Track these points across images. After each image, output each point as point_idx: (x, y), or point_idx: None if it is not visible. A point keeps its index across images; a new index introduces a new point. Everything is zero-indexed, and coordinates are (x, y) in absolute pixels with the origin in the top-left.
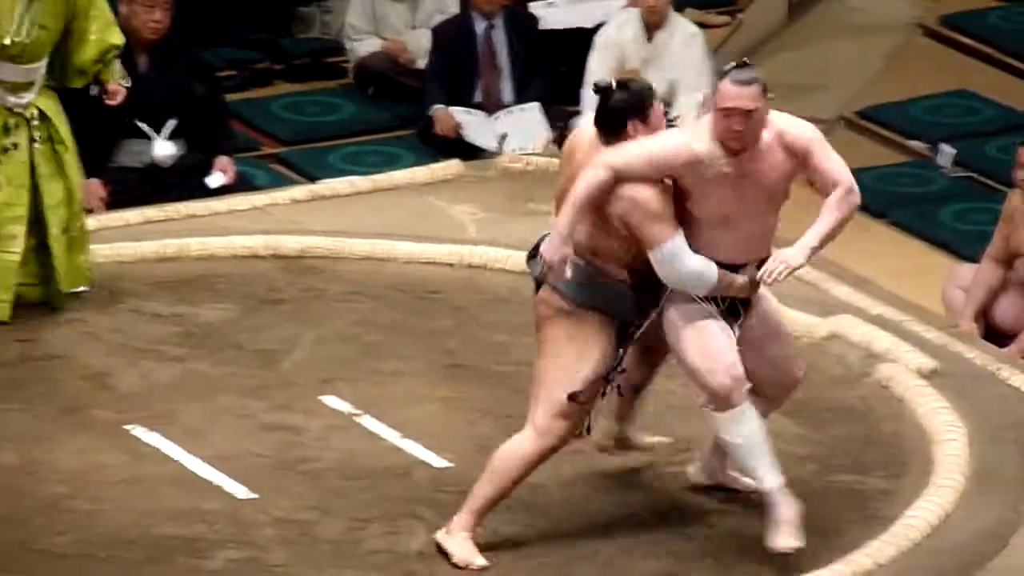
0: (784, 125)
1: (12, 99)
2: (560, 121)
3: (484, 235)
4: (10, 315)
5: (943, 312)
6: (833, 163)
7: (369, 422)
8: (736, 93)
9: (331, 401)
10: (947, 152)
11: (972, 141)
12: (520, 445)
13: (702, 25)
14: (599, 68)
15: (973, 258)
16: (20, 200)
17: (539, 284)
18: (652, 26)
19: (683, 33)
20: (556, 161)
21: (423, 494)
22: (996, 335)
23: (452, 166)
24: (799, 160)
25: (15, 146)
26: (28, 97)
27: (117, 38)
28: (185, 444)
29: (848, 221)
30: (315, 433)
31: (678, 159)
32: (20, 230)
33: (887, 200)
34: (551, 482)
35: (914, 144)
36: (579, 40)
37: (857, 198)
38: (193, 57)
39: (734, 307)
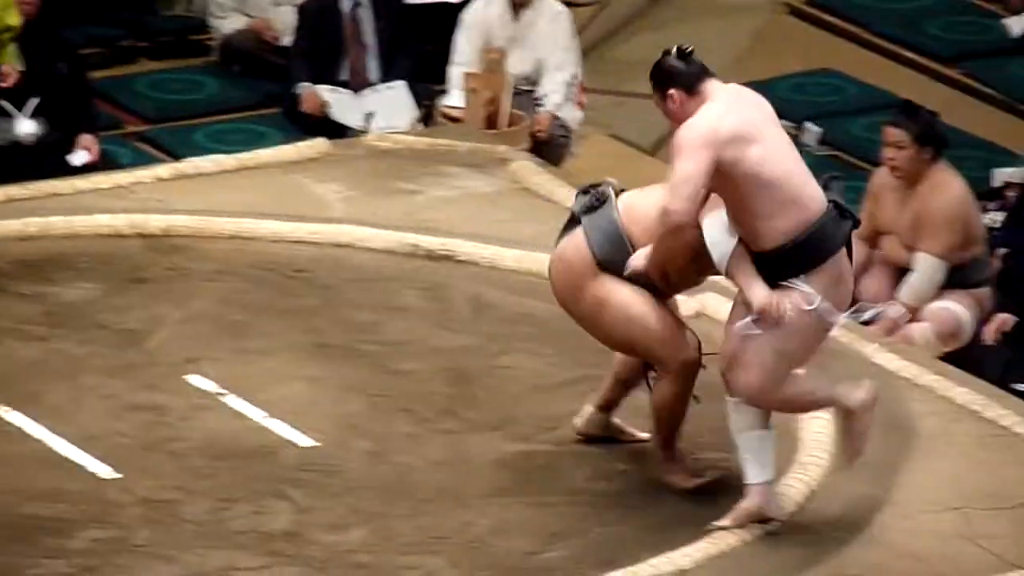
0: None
1: None
2: (426, 99)
3: (350, 214)
4: None
5: None
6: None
7: (234, 401)
8: None
9: (196, 380)
10: (812, 131)
11: (837, 120)
12: (668, 389)
13: (568, 4)
14: (465, 46)
15: None
16: None
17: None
18: (518, 5)
19: (549, 12)
20: (423, 140)
21: (289, 474)
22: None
23: (318, 144)
24: None
25: None
26: None
27: (14, 19)
28: (49, 424)
29: (666, 241)
30: (180, 413)
31: None
32: None
33: None
34: (420, 462)
35: (782, 123)
36: (445, 16)
37: (666, 219)
38: (55, 35)
39: None
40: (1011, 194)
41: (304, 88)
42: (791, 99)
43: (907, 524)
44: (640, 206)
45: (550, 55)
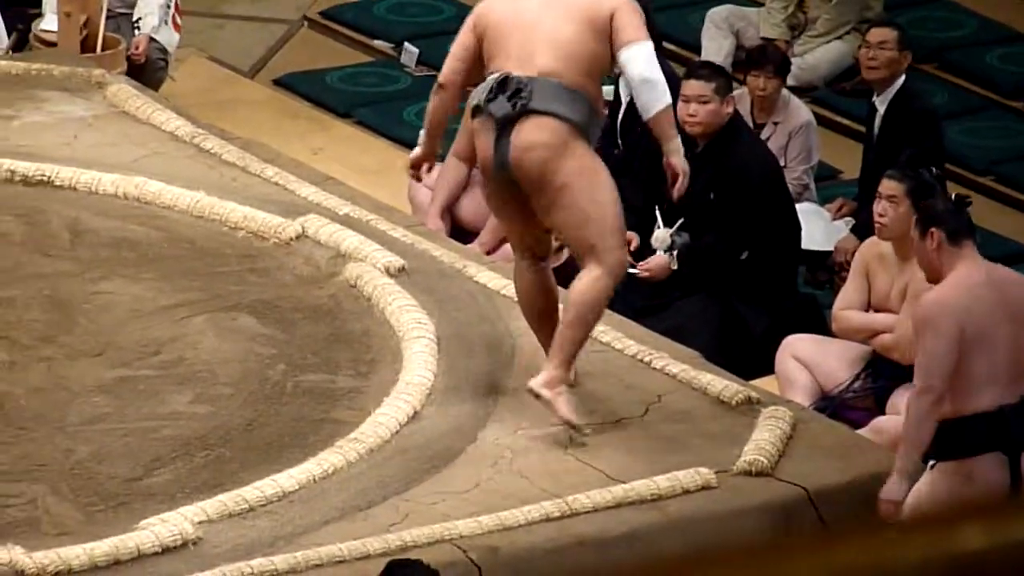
0: None
1: None
2: (19, 23)
3: None
4: None
5: (410, 210)
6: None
7: None
8: None
9: None
10: (411, 51)
11: (435, 39)
12: (596, 284)
13: None
14: None
15: (438, 156)
16: None
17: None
18: None
19: None
20: (17, 64)
21: None
22: (463, 233)
23: None
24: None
25: None
26: None
27: None
28: None
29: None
30: None
31: None
32: None
33: (351, 99)
34: (19, 390)
35: (378, 43)
36: None
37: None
38: None
39: None
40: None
41: None
42: (389, 19)
43: (509, 441)
44: (562, 57)
45: None
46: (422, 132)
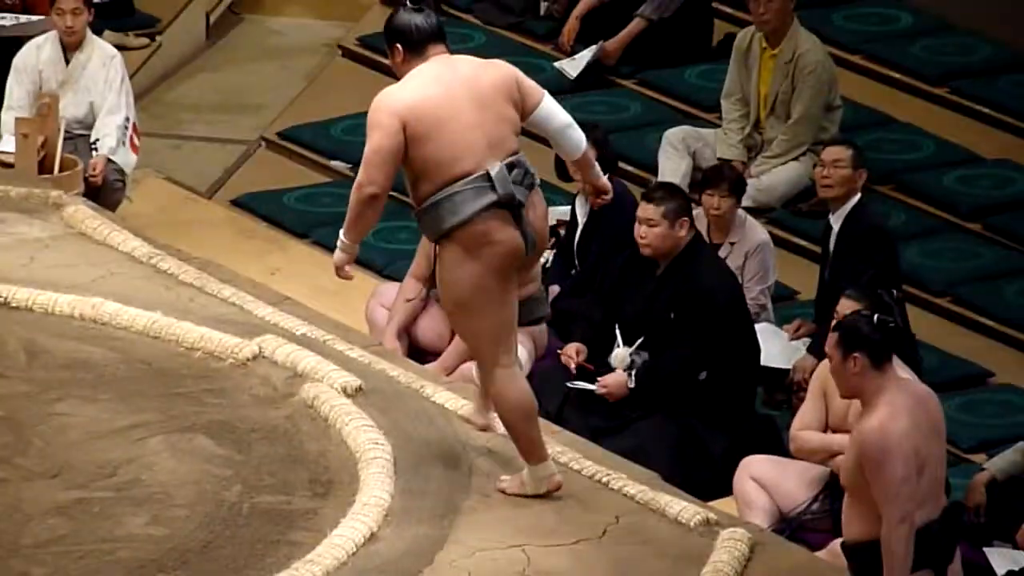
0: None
1: None
2: None
3: None
4: None
5: (367, 330)
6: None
7: None
8: None
9: None
10: None
11: None
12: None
13: (120, 47)
14: (17, 90)
15: (395, 276)
16: None
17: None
18: (70, 48)
19: (100, 55)
20: None
21: None
22: (420, 353)
23: None
24: None
25: None
26: None
27: None
28: None
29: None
30: None
31: None
32: None
33: (309, 220)
34: None
35: (336, 164)
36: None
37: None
38: None
39: None
40: (562, 231)
41: None
42: (346, 140)
43: (467, 563)
44: (513, 133)
45: (102, 98)
46: (342, 235)
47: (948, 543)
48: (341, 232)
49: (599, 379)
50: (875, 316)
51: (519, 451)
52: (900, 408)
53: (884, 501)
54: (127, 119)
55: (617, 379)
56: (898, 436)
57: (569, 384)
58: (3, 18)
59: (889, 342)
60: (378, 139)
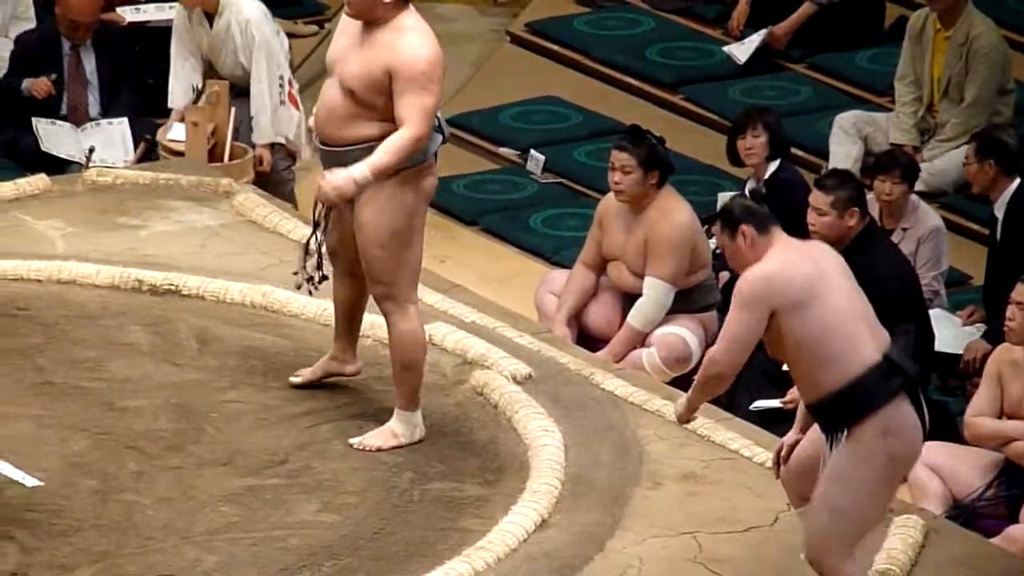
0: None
1: None
2: (148, 134)
3: (72, 250)
4: None
5: (536, 317)
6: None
7: None
8: None
9: None
10: (536, 158)
11: (560, 147)
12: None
13: (290, 35)
14: (179, 55)
15: (564, 263)
16: None
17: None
18: (209, 12)
19: (237, 20)
20: (145, 174)
21: (14, 514)
22: (589, 339)
23: (38, 181)
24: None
25: None
26: None
27: None
28: None
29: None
30: None
31: None
32: None
33: (478, 207)
34: (148, 500)
35: (504, 151)
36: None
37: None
38: None
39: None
40: None
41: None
42: (515, 127)
43: (638, 549)
44: None
45: (248, 64)
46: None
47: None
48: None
49: (787, 395)
50: (745, 193)
51: (403, 395)
52: (788, 251)
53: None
54: (280, 77)
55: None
56: (779, 265)
57: (752, 407)
58: (145, 10)
59: (767, 213)
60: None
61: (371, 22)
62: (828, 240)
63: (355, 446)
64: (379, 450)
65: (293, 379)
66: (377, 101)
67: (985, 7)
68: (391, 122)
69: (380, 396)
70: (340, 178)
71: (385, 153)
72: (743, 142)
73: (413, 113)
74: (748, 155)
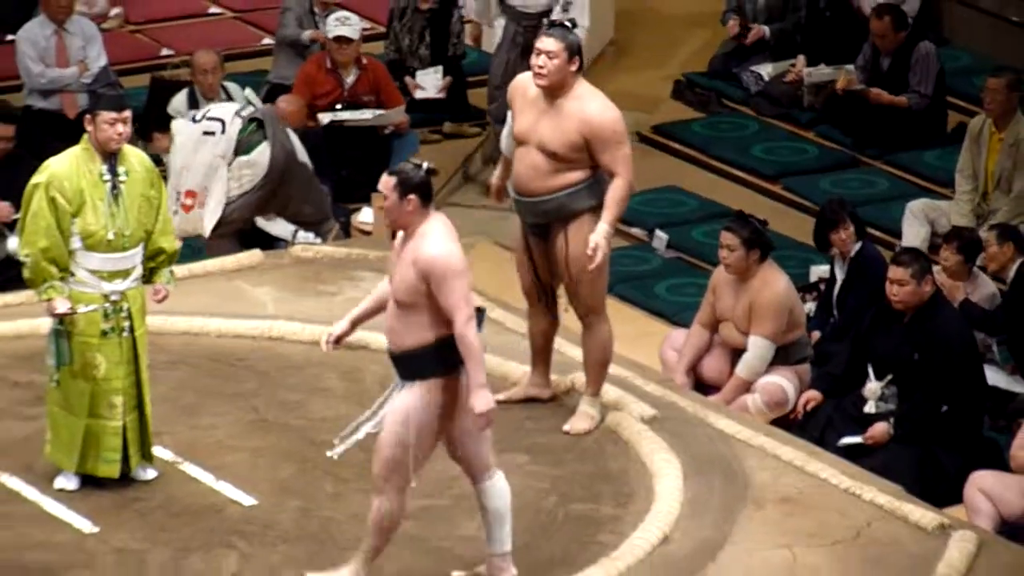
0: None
1: (108, 287)
2: (343, 217)
3: (281, 311)
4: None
5: (660, 369)
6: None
7: (189, 468)
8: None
9: (158, 451)
10: (661, 237)
11: (681, 228)
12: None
13: (458, 136)
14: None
15: (683, 324)
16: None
17: None
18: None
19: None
20: (340, 249)
21: (235, 527)
22: (704, 387)
23: (254, 255)
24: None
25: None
26: (125, 285)
27: (169, 244)
28: (40, 487)
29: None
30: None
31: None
32: (119, 400)
33: (613, 277)
34: (342, 516)
35: (634, 231)
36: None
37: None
38: None
39: None
40: (823, 287)
41: None
42: (643, 211)
43: (745, 560)
44: None
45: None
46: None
47: None
48: None
49: (869, 429)
50: (423, 165)
51: (594, 383)
52: (447, 230)
53: (455, 307)
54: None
55: (881, 429)
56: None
57: (840, 444)
58: (339, 113)
59: (431, 186)
60: None
61: (555, 94)
62: (908, 306)
63: (569, 432)
64: (587, 432)
65: (497, 397)
66: (575, 157)
67: None
68: (582, 170)
69: (531, 432)
70: (601, 235)
71: (613, 204)
72: (836, 235)
73: (619, 164)
74: (842, 244)
